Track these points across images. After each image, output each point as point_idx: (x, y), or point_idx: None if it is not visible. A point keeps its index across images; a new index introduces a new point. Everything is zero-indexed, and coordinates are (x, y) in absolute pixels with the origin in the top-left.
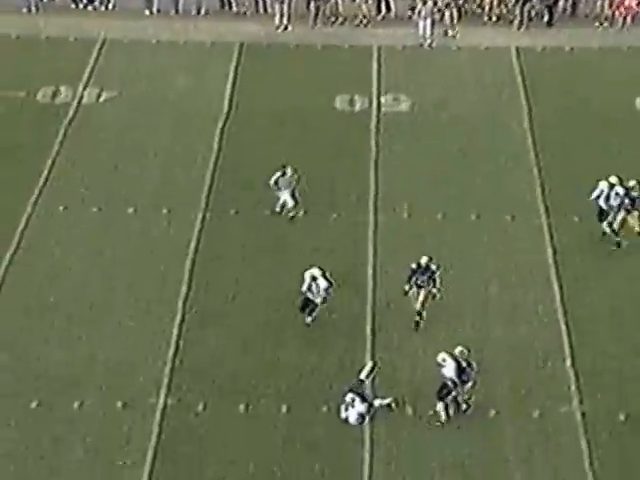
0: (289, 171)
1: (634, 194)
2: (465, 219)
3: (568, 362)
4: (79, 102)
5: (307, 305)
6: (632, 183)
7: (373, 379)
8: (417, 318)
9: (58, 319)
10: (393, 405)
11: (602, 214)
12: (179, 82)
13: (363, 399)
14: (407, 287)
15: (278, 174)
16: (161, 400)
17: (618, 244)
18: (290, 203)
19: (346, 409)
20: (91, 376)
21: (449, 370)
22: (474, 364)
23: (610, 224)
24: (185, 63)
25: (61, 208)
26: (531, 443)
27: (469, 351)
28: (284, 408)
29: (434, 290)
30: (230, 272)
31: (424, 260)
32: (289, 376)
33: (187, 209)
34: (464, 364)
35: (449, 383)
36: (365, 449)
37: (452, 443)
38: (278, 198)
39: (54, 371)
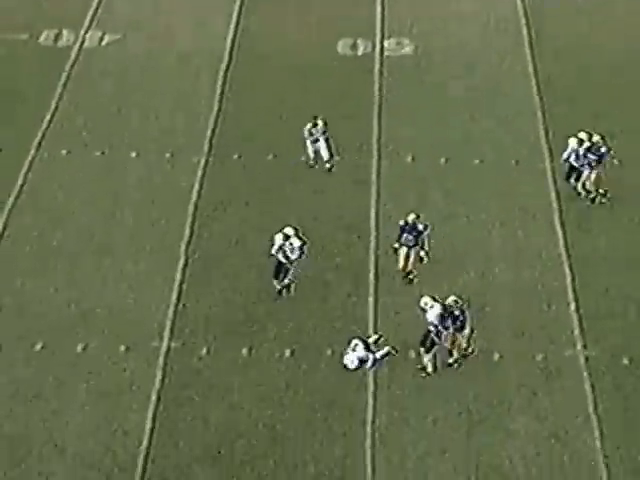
0: (320, 122)
1: (602, 150)
2: (469, 163)
3: (572, 306)
4: (81, 45)
5: (280, 270)
6: (596, 138)
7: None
8: (410, 276)
9: (61, 263)
10: (392, 352)
11: (572, 172)
12: (182, 26)
13: (366, 346)
14: (397, 245)
15: (309, 125)
16: (164, 344)
17: (592, 200)
18: (325, 155)
19: (347, 352)
20: (94, 320)
21: (432, 314)
22: (467, 312)
23: (583, 184)
24: (188, 6)
25: (64, 152)
26: (535, 387)
27: (462, 299)
28: (287, 352)
29: (422, 253)
30: (233, 217)
31: (411, 217)
32: (292, 320)
33: (190, 153)
34: (457, 312)
35: (432, 329)
36: (369, 393)
37: (456, 387)
38: (310, 149)
39: (57, 314)
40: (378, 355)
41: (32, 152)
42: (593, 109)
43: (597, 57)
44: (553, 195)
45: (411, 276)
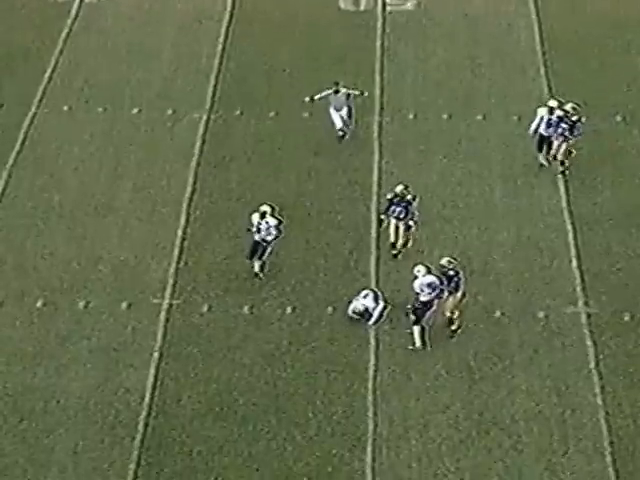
0: (342, 89)
1: (573, 118)
2: (471, 120)
3: (574, 263)
4: (82, 1)
5: (256, 249)
6: (569, 107)
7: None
8: (394, 252)
9: (63, 219)
10: (388, 307)
11: (542, 142)
12: None
13: (376, 298)
14: (383, 216)
15: (329, 92)
16: (166, 301)
17: (562, 172)
18: (348, 122)
19: (356, 299)
20: (96, 276)
21: (418, 283)
22: (462, 273)
23: (554, 156)
24: None
25: (65, 108)
26: (536, 344)
27: (455, 260)
28: (289, 309)
29: (410, 222)
30: (234, 174)
31: (399, 189)
32: (294, 277)
33: (191, 110)
34: (452, 273)
35: (426, 296)
36: (370, 351)
37: (457, 344)
38: (336, 117)
39: (59, 271)
40: (379, 309)
41: (33, 108)
42: (596, 64)
43: (600, 12)
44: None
45: (395, 251)
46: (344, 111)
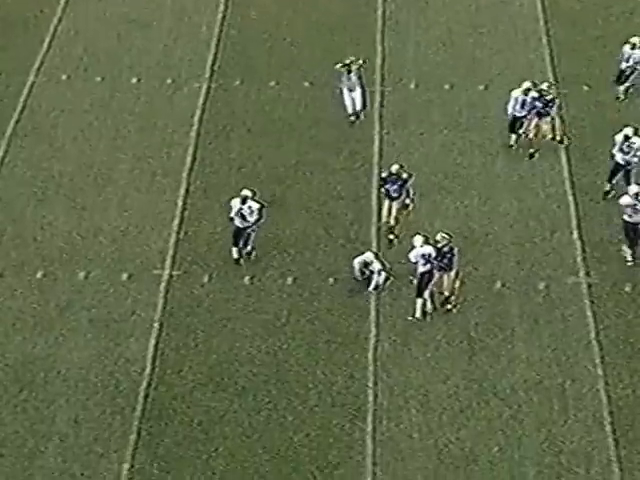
0: (355, 69)
1: (547, 97)
2: (473, 90)
3: (575, 234)
4: None
5: (240, 235)
6: (545, 85)
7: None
8: (391, 236)
9: (63, 189)
10: (390, 279)
11: (515, 123)
12: None
13: (383, 266)
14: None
15: (342, 73)
16: (166, 271)
17: (531, 155)
18: (359, 105)
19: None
20: (96, 247)
21: (413, 254)
22: (456, 250)
23: (525, 133)
24: None
25: (64, 77)
26: (537, 315)
27: (451, 237)
28: (289, 280)
29: (407, 201)
30: (235, 143)
31: (394, 168)
32: (294, 248)
33: (191, 79)
34: (446, 249)
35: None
36: (371, 322)
37: (458, 315)
38: (348, 99)
39: (59, 242)
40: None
41: (31, 77)
42: (598, 33)
43: None
44: (558, 122)
45: (392, 237)
46: (357, 92)
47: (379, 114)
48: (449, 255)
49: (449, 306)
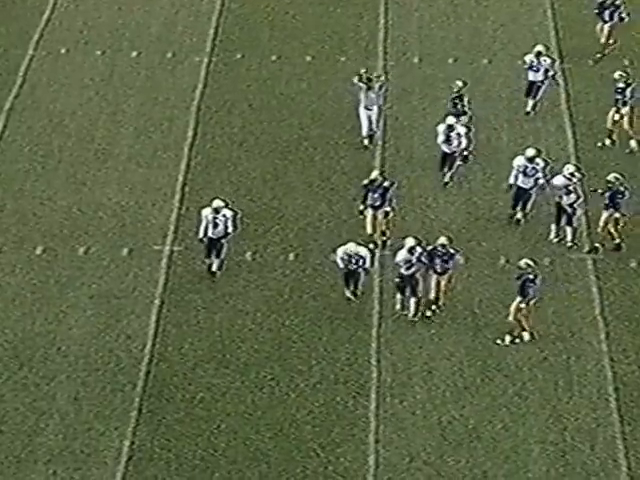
0: (376, 85)
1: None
2: (477, 64)
3: (579, 210)
4: None
5: (213, 246)
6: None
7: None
8: (372, 246)
9: (63, 164)
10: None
11: (531, 89)
12: None
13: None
14: (362, 207)
15: (362, 87)
16: (167, 247)
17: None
18: (375, 126)
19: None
20: (96, 222)
21: (400, 255)
22: (458, 255)
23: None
24: None
25: (64, 51)
26: (542, 290)
27: (451, 241)
28: (292, 256)
29: (388, 209)
30: (236, 118)
31: (374, 174)
32: (297, 224)
33: (192, 53)
34: (443, 250)
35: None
36: (374, 298)
37: (462, 291)
38: (364, 117)
39: (59, 217)
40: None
41: (31, 51)
42: None
43: None
44: (563, 96)
45: (384, 238)
46: (374, 110)
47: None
48: (445, 257)
49: (428, 312)
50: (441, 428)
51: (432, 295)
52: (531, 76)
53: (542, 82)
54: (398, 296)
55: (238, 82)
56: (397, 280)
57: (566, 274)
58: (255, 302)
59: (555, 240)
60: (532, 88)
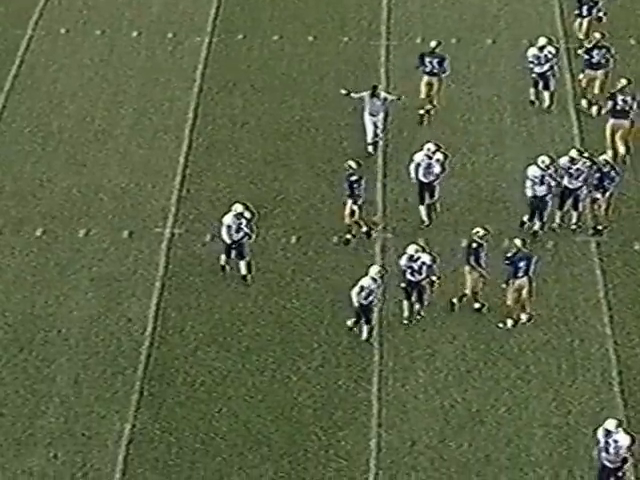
0: (381, 93)
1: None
2: (480, 44)
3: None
4: None
5: (234, 248)
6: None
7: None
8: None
9: (62, 146)
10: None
11: (538, 80)
12: None
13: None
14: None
15: (364, 94)
16: (168, 229)
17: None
18: (381, 134)
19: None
20: (96, 204)
21: (402, 259)
22: (485, 247)
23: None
24: None
25: (63, 30)
26: (545, 273)
27: (487, 232)
28: (293, 238)
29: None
30: (238, 99)
31: (352, 164)
32: (299, 206)
33: (193, 33)
34: (475, 245)
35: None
36: None
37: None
38: (369, 124)
39: (59, 199)
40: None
41: (29, 31)
42: None
43: None
44: (568, 77)
45: (349, 236)
46: (380, 117)
47: (385, 69)
48: (480, 250)
49: (477, 305)
50: (444, 412)
51: (468, 290)
52: (537, 69)
53: (550, 73)
54: (405, 302)
55: (239, 63)
56: (403, 285)
57: (569, 257)
58: (256, 285)
59: (557, 226)
60: (540, 81)
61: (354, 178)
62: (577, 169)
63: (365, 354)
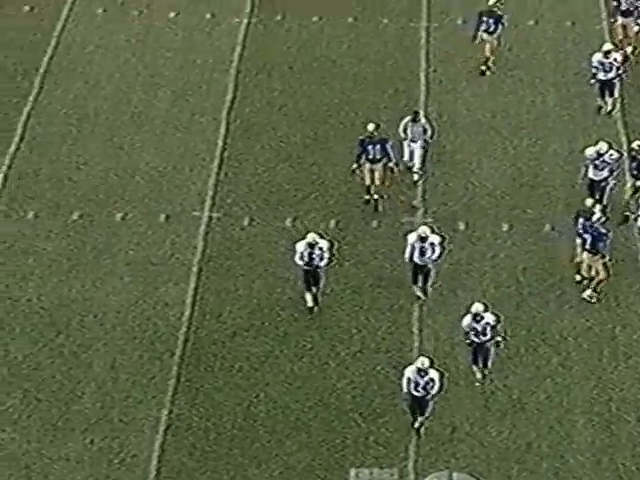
0: (422, 118)
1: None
2: (522, 25)
3: (627, 175)
4: None
5: (310, 279)
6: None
7: None
8: (375, 197)
9: (99, 128)
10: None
11: (604, 88)
12: None
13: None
14: (355, 166)
15: (407, 120)
16: (205, 213)
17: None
18: (417, 162)
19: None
20: (133, 188)
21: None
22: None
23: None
24: None
25: (99, 11)
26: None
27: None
28: (332, 223)
29: (390, 164)
30: (276, 81)
31: (371, 127)
32: (337, 190)
33: (231, 14)
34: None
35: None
36: None
37: (506, 259)
38: (407, 151)
39: (95, 182)
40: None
41: (65, 11)
42: None
43: None
44: None
45: (376, 197)
46: (419, 144)
47: (425, 51)
48: (602, 235)
49: (592, 292)
50: (484, 398)
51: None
52: (601, 75)
53: (616, 79)
54: (474, 367)
55: (278, 44)
56: (467, 342)
57: (612, 242)
58: (295, 269)
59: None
60: (605, 87)
61: (372, 140)
62: (602, 161)
63: (404, 339)
